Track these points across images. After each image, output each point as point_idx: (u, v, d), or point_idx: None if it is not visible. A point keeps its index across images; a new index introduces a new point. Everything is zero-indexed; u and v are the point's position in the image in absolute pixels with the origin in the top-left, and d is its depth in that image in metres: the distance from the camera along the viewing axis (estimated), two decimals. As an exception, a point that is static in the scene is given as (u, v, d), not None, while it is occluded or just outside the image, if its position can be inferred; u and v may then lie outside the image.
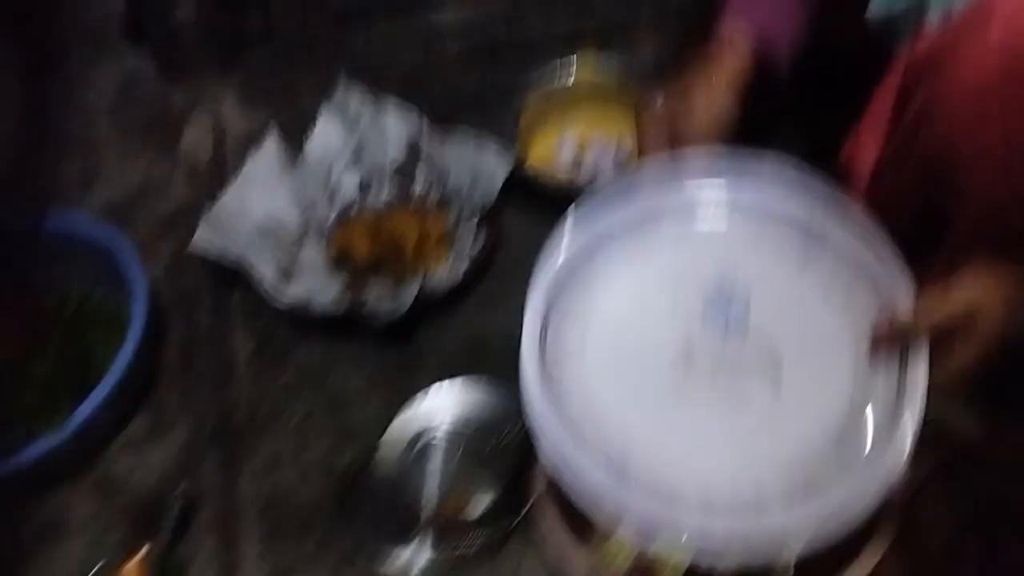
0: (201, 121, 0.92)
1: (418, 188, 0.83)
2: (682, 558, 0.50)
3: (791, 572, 0.51)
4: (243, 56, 0.96)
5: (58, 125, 0.92)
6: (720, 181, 0.60)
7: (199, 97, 0.94)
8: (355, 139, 0.84)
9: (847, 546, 0.52)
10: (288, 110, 0.91)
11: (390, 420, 0.71)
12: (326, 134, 0.85)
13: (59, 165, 0.89)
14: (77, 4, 0.98)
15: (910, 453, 0.49)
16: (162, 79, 0.95)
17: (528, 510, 0.64)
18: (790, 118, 0.82)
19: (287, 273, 0.78)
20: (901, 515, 0.56)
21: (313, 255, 0.81)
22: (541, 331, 0.56)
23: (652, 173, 0.61)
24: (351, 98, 0.85)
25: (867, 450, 0.51)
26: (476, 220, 0.80)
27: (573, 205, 0.60)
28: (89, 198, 0.87)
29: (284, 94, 0.93)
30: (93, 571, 0.65)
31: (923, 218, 0.59)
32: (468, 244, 0.79)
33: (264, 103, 0.93)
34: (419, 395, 0.72)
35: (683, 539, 0.48)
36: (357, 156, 0.84)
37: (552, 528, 0.61)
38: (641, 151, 0.67)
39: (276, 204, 0.82)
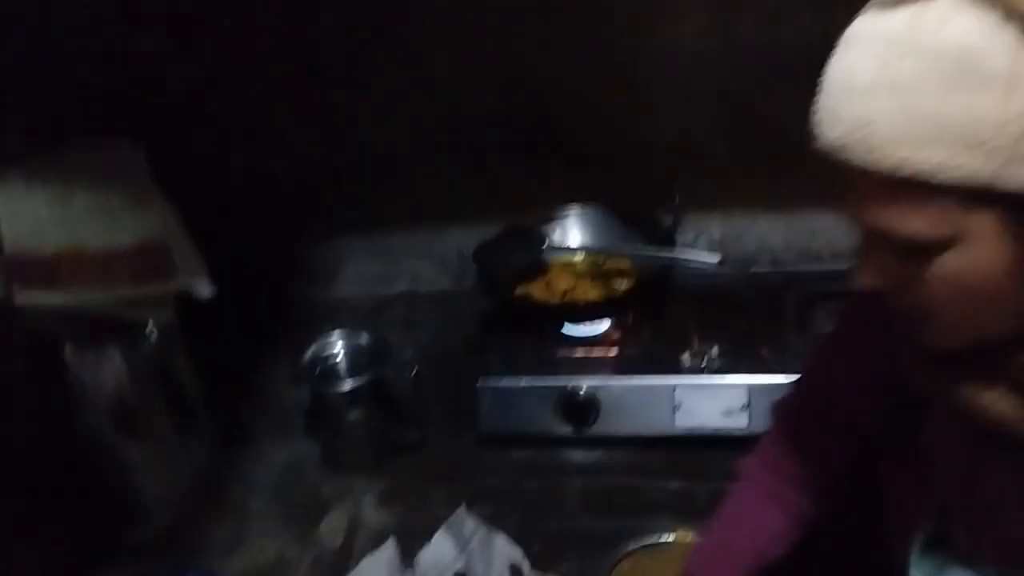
0: (342, 512, 1.04)
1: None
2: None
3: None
4: (393, 461, 1.09)
5: (224, 490, 1.07)
6: None
7: (347, 490, 1.06)
8: (463, 560, 0.93)
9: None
10: (417, 518, 1.00)
11: None
12: (439, 550, 0.94)
13: (212, 526, 1.02)
14: (271, 391, 1.18)
15: None
16: (321, 468, 1.10)
17: None
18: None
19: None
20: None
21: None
22: None
23: None
24: (466, 521, 0.95)
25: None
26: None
27: None
28: (228, 563, 0.99)
29: (416, 501, 1.03)
30: None
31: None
32: None
33: (400, 506, 1.04)
34: None
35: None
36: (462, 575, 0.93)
37: None
38: None
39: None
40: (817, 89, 0.74)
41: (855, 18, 0.61)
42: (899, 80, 0.59)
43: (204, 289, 0.92)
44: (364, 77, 1.18)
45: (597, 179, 1.20)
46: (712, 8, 1.09)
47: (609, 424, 1.04)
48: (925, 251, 0.59)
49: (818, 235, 1.22)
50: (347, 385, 1.04)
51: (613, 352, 1.10)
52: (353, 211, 1.28)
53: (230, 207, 1.20)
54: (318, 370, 1.08)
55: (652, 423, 1.03)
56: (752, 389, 1.01)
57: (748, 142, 1.17)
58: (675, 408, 1.02)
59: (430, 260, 1.33)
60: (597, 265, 1.19)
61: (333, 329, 1.12)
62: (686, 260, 1.14)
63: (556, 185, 1.22)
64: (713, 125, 1.17)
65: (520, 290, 1.16)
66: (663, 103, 1.16)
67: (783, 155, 1.15)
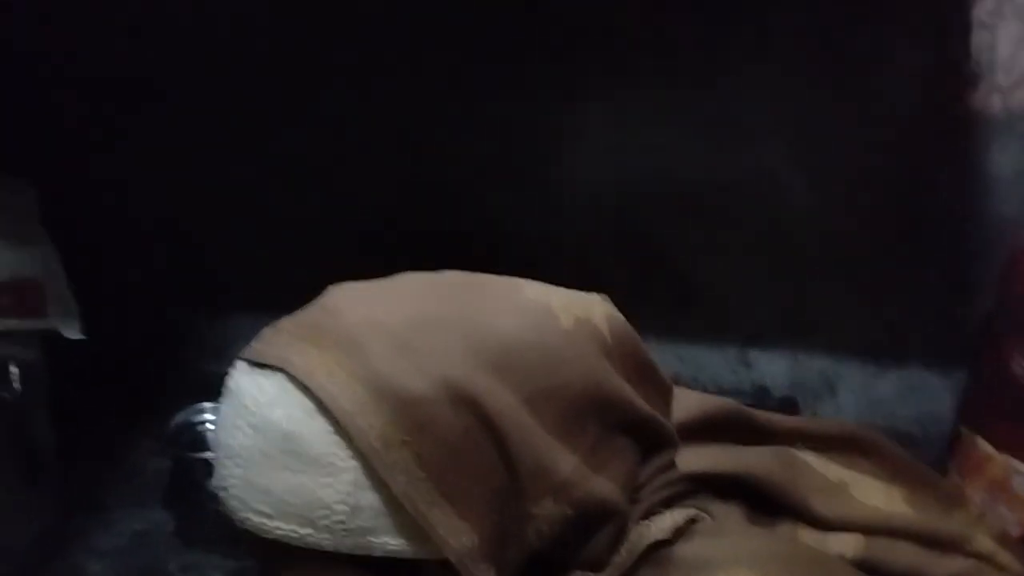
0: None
1: None
2: None
3: None
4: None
5: (65, 554, 1.02)
6: None
7: (195, 566, 1.00)
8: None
9: None
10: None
11: None
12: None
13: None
14: (134, 457, 1.14)
15: None
16: (172, 541, 1.05)
17: None
18: None
19: None
20: None
21: None
22: None
23: None
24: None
25: None
26: None
27: None
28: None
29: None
30: None
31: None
32: None
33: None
34: None
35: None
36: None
37: None
38: None
39: None
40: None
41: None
42: (243, 449, 0.68)
43: (73, 331, 0.90)
44: (274, 161, 1.19)
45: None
46: (615, 137, 1.14)
47: None
48: None
49: (705, 370, 1.25)
50: (210, 454, 1.01)
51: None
52: (253, 290, 1.27)
53: (127, 260, 1.19)
54: (184, 438, 1.05)
55: None
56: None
57: (645, 274, 1.20)
58: None
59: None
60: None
61: (209, 402, 1.10)
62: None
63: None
64: (614, 254, 1.20)
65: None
66: (563, 227, 1.20)
67: (678, 290, 1.20)
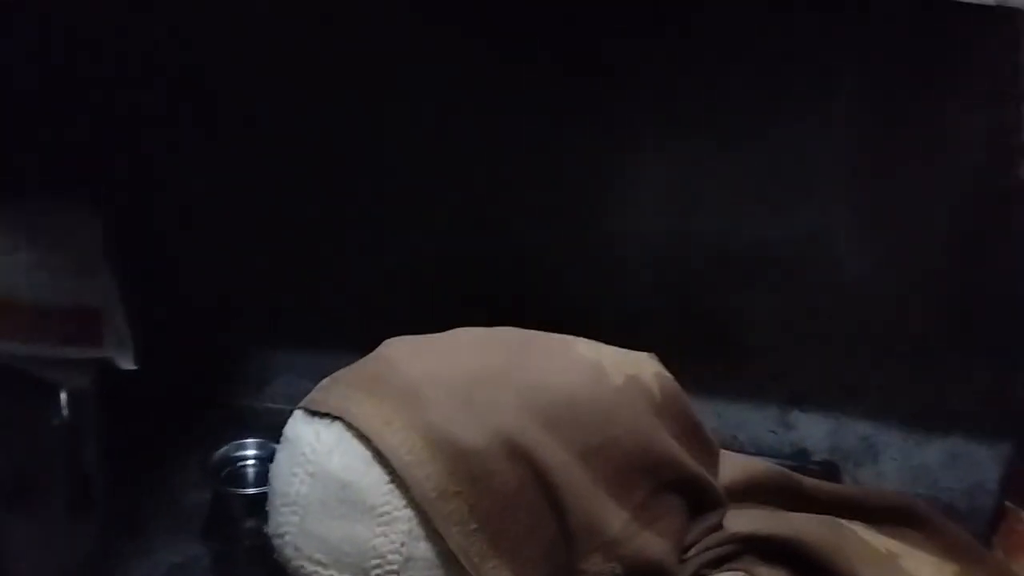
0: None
1: None
2: None
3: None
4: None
5: None
6: None
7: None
8: None
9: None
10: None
11: None
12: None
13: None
14: (174, 488, 1.14)
15: None
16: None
17: None
18: None
19: None
20: None
21: None
22: None
23: None
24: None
25: None
26: None
27: None
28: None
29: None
30: None
31: None
32: None
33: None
34: None
35: None
36: None
37: None
38: None
39: None
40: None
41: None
42: (300, 497, 0.69)
43: (127, 361, 0.91)
44: (332, 203, 1.21)
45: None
46: (670, 202, 1.15)
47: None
48: None
49: (744, 429, 1.24)
50: (251, 490, 1.01)
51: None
52: (298, 327, 1.29)
53: (179, 296, 1.21)
54: (225, 472, 1.06)
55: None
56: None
57: (690, 331, 1.20)
58: None
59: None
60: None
61: (250, 438, 1.11)
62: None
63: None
64: (659, 309, 1.20)
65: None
66: (612, 284, 1.20)
67: (721, 348, 1.20)
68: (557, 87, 1.10)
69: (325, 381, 0.76)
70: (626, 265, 1.18)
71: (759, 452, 1.22)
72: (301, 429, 0.72)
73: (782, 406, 1.22)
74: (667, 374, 0.87)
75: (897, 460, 1.21)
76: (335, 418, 0.71)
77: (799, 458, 1.22)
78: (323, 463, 0.69)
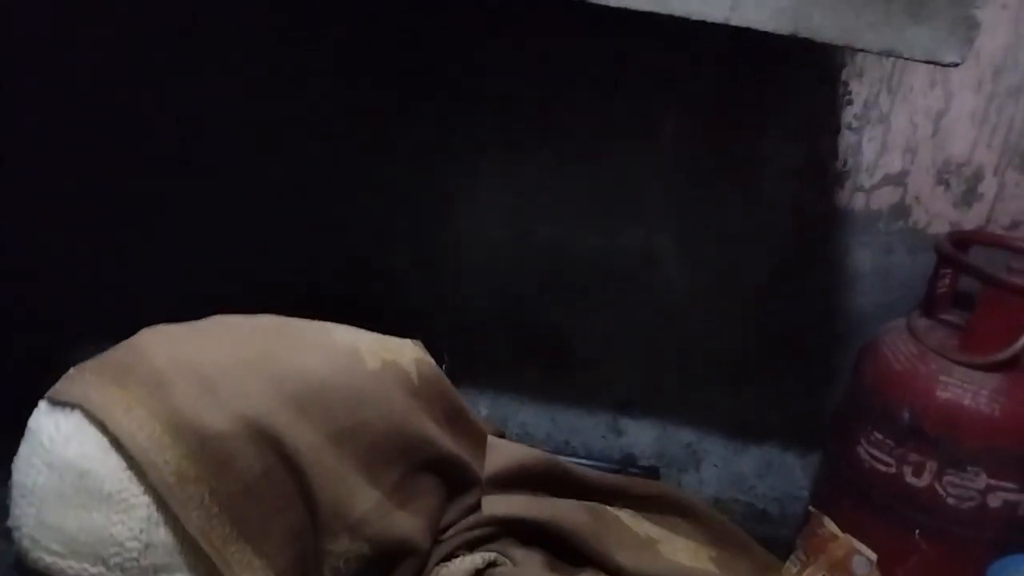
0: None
1: None
2: None
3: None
4: None
5: None
6: None
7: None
8: None
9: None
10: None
11: None
12: None
13: None
14: None
15: None
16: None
17: None
18: None
19: None
20: None
21: None
22: None
23: None
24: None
25: None
26: None
27: None
28: None
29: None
30: None
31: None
32: None
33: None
34: None
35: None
36: None
37: None
38: None
39: None
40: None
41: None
42: (38, 488, 0.70)
43: None
44: (173, 213, 1.18)
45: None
46: (507, 215, 1.17)
47: None
48: None
49: (577, 434, 1.28)
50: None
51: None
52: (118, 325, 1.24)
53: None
54: None
55: None
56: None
57: (524, 339, 1.23)
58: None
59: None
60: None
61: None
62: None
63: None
64: (497, 318, 1.23)
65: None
66: (449, 291, 1.22)
67: (555, 357, 1.23)
68: (403, 102, 1.11)
69: (72, 370, 0.74)
70: (463, 272, 1.20)
71: (590, 456, 1.26)
72: (42, 420, 0.70)
73: (612, 413, 1.26)
74: (429, 359, 0.89)
75: (718, 467, 1.27)
76: (75, 406, 0.69)
77: (625, 463, 1.26)
78: (60, 452, 0.67)
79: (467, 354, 1.22)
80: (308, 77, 1.11)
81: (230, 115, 1.14)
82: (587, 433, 1.28)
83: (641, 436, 1.27)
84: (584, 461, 1.23)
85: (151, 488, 0.67)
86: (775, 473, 1.26)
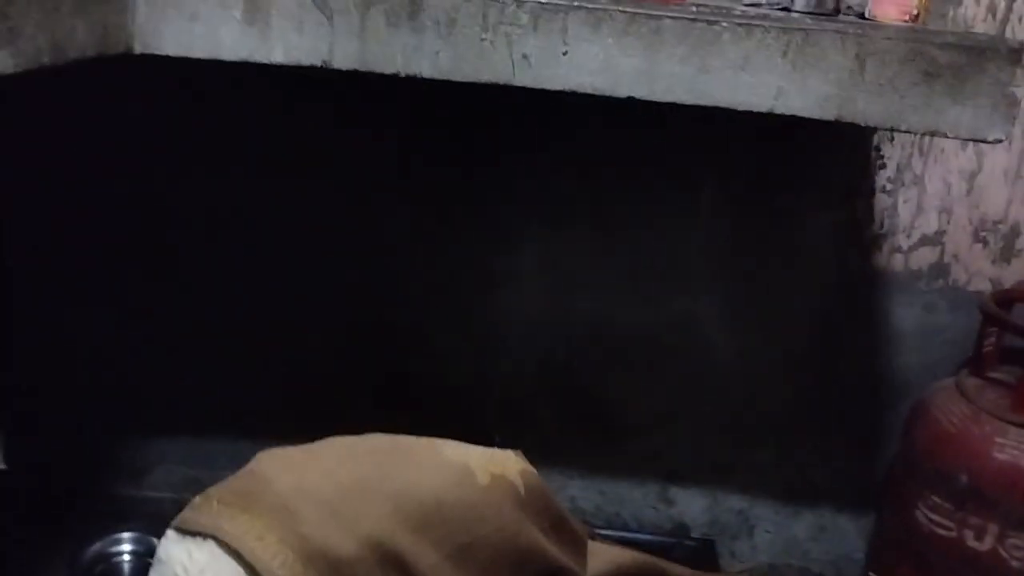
0: None
1: None
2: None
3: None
4: None
5: None
6: None
7: None
8: None
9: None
10: None
11: None
12: None
13: None
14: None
15: None
16: None
17: None
18: None
19: None
20: None
21: None
22: None
23: None
24: None
25: None
26: None
27: None
28: None
29: None
30: None
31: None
32: None
33: None
34: None
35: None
36: None
37: None
38: None
39: None
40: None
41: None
42: None
43: None
44: (200, 290, 1.20)
45: (423, 419, 1.24)
46: (550, 286, 1.19)
47: None
48: None
49: (626, 506, 1.28)
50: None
51: None
52: (172, 413, 1.26)
53: (44, 383, 1.18)
54: (98, 570, 1.03)
55: None
56: None
57: (571, 410, 1.23)
58: None
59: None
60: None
61: (127, 531, 1.08)
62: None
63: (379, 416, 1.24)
64: (543, 393, 1.23)
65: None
66: (499, 368, 1.23)
67: (600, 427, 1.23)
68: (445, 178, 1.14)
69: (196, 499, 0.75)
70: (509, 348, 1.21)
71: (641, 528, 1.26)
72: (172, 549, 0.71)
73: (661, 483, 1.26)
74: (531, 470, 0.90)
75: (771, 533, 1.26)
76: (207, 536, 0.70)
77: (679, 533, 1.26)
78: None
79: (515, 430, 1.23)
80: (358, 164, 1.13)
81: (275, 194, 1.15)
82: (636, 504, 1.28)
83: (692, 505, 1.26)
84: (636, 535, 1.23)
85: None
86: (829, 537, 1.25)
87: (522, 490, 0.86)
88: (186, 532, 0.72)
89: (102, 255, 1.17)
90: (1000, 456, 0.95)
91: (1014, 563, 0.94)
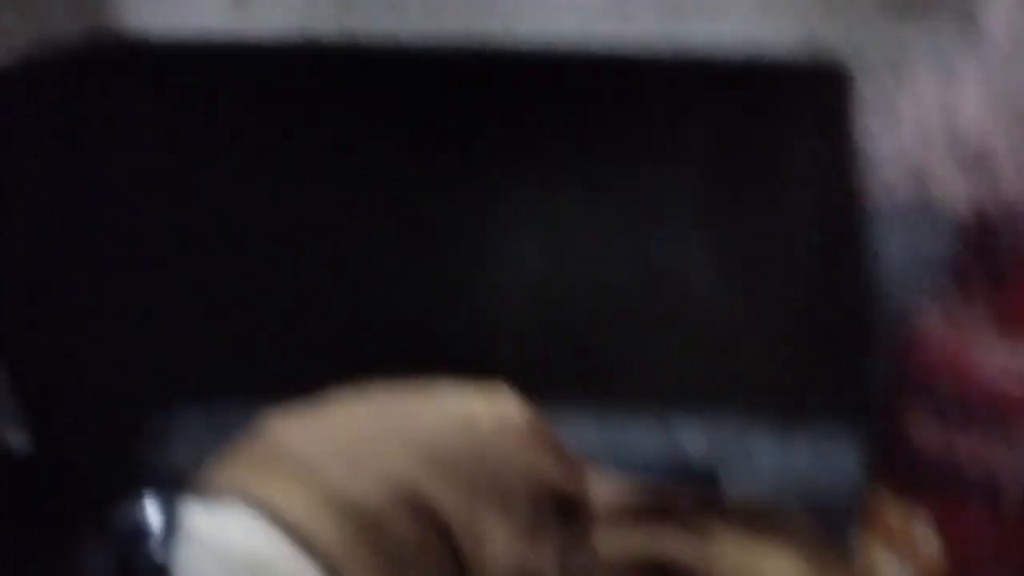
0: None
1: None
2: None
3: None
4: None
5: None
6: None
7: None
8: None
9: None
10: None
11: None
12: None
13: None
14: (75, 554, 1.14)
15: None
16: None
17: None
18: None
19: None
20: None
21: None
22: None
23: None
24: None
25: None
26: None
27: None
28: None
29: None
30: None
31: None
32: None
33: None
34: None
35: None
36: None
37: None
38: None
39: None
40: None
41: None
42: None
43: (18, 440, 0.89)
44: (218, 263, 1.22)
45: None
46: (545, 247, 1.22)
47: None
48: None
49: (627, 442, 1.31)
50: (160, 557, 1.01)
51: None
52: (199, 383, 1.29)
53: (66, 354, 1.20)
54: (128, 531, 1.05)
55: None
56: None
57: (571, 357, 1.28)
58: None
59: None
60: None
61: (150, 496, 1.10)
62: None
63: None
64: (544, 340, 1.27)
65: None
66: (502, 318, 1.27)
67: (603, 369, 1.27)
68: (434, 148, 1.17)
69: (213, 463, 0.77)
70: (510, 299, 1.25)
71: (642, 462, 1.29)
72: (197, 517, 0.73)
73: (660, 420, 1.29)
74: (529, 408, 0.92)
75: (770, 460, 1.30)
76: (230, 497, 0.72)
77: (679, 465, 1.29)
78: (225, 545, 0.69)
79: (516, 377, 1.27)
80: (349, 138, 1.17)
81: (271, 190, 1.18)
82: (636, 440, 1.31)
83: (690, 436, 1.30)
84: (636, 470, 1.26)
85: (323, 566, 0.69)
86: (825, 458, 1.29)
87: (524, 427, 0.89)
88: (208, 496, 0.73)
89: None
90: (986, 370, 0.98)
91: (1002, 474, 0.98)
